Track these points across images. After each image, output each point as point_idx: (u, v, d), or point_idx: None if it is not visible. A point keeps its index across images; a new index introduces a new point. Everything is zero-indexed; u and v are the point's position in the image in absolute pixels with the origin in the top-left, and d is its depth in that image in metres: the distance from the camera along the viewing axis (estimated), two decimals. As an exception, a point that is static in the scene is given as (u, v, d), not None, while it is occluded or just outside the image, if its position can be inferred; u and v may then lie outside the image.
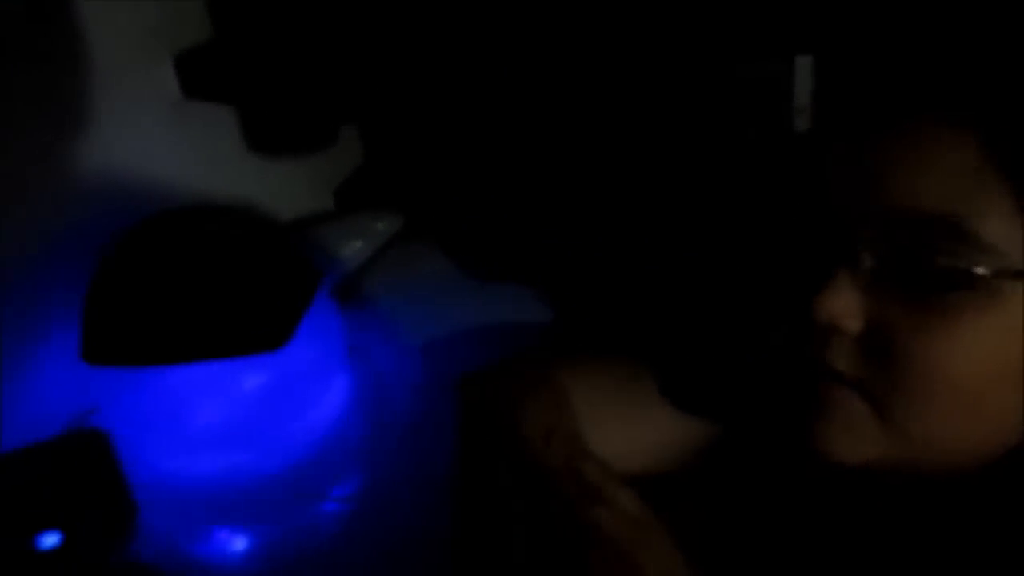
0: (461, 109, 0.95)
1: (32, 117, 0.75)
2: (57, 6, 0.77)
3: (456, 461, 0.56)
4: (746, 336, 0.56)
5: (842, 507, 0.47)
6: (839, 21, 0.74)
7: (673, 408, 0.54)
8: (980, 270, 0.37)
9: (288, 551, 0.70)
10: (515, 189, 0.95)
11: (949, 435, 0.40)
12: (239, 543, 0.71)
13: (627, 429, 0.54)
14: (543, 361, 0.57)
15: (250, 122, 0.95)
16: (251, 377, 0.74)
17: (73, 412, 0.77)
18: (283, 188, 0.99)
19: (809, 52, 0.79)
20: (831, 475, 0.45)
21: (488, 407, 0.55)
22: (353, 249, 0.89)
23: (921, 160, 0.38)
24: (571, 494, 0.49)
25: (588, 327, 0.85)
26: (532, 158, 0.95)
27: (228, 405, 0.75)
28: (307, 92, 0.93)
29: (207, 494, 0.74)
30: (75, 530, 0.64)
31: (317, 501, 0.73)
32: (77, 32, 0.78)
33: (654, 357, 0.56)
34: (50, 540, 0.63)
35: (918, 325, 0.38)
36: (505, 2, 0.86)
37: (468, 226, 0.94)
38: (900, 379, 0.39)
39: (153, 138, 0.86)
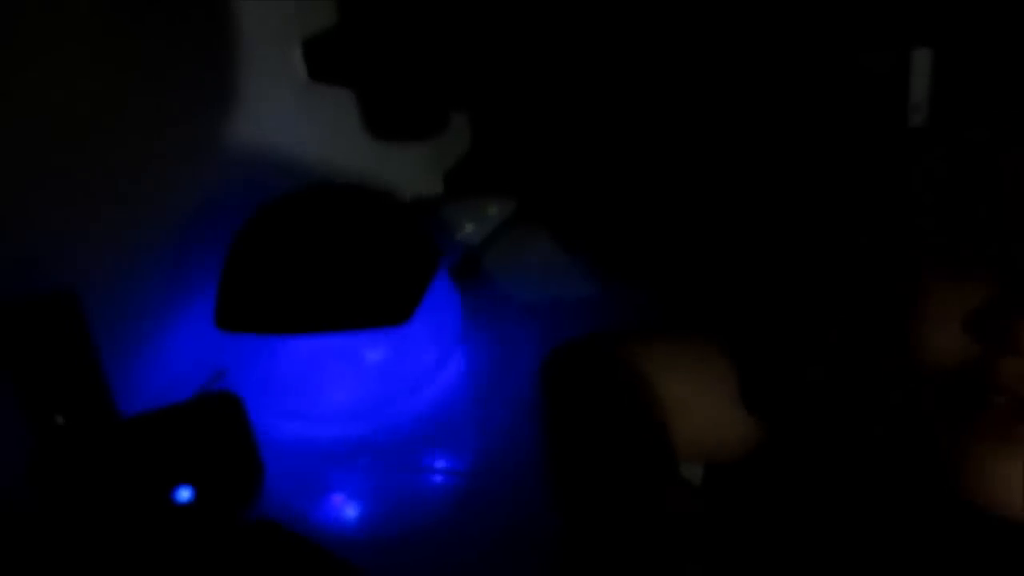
0: (570, 100, 0.96)
1: (176, 99, 0.78)
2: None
3: (537, 439, 0.57)
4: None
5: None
6: (964, 12, 0.72)
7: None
8: None
9: (399, 521, 0.71)
10: (623, 175, 0.96)
11: None
12: (351, 510, 0.73)
13: (700, 408, 0.54)
14: (619, 340, 0.58)
15: (369, 106, 0.98)
16: (373, 350, 0.77)
17: (206, 376, 0.81)
18: (396, 170, 1.02)
19: (928, 45, 0.77)
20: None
21: (566, 386, 0.56)
22: (467, 231, 0.91)
23: None
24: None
25: (691, 310, 0.85)
26: (640, 145, 0.95)
27: (349, 376, 0.77)
28: (422, 80, 0.95)
29: (322, 461, 0.77)
30: (206, 486, 0.66)
31: (429, 474, 0.75)
32: (217, 16, 0.82)
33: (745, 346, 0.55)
34: (184, 495, 0.66)
35: None
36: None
37: (578, 211, 0.95)
38: None
39: (281, 119, 0.90)
